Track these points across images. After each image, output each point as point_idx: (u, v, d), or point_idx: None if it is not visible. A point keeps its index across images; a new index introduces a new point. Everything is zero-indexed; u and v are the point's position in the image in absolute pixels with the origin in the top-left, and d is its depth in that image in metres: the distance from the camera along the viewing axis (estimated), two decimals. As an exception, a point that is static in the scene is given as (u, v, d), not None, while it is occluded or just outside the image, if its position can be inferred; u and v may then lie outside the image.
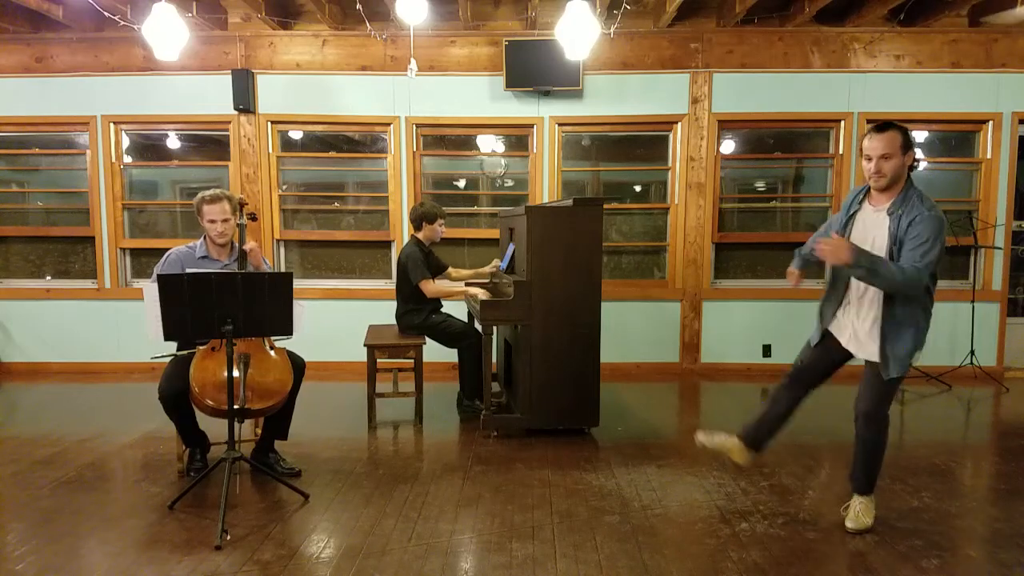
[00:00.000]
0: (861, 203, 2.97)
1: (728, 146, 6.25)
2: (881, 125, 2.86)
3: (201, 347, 3.33)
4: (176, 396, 3.35)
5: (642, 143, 6.32)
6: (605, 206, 4.72)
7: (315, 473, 3.63)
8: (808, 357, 3.15)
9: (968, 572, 2.66)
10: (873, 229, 2.88)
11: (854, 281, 2.91)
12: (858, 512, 3.02)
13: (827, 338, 3.07)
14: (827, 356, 3.09)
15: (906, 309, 2.81)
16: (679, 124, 6.06)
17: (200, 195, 3.53)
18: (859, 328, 2.93)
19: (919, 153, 5.69)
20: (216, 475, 3.35)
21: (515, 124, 6.12)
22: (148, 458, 3.91)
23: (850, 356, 3.03)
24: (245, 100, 5.91)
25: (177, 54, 4.72)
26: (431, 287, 4.63)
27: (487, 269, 5.18)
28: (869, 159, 2.83)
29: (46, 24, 5.98)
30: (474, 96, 6.06)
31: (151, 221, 6.37)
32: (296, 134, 6.29)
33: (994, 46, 5.87)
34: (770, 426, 3.22)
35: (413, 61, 5.05)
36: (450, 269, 5.09)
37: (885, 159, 2.80)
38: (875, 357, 2.87)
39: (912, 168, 2.89)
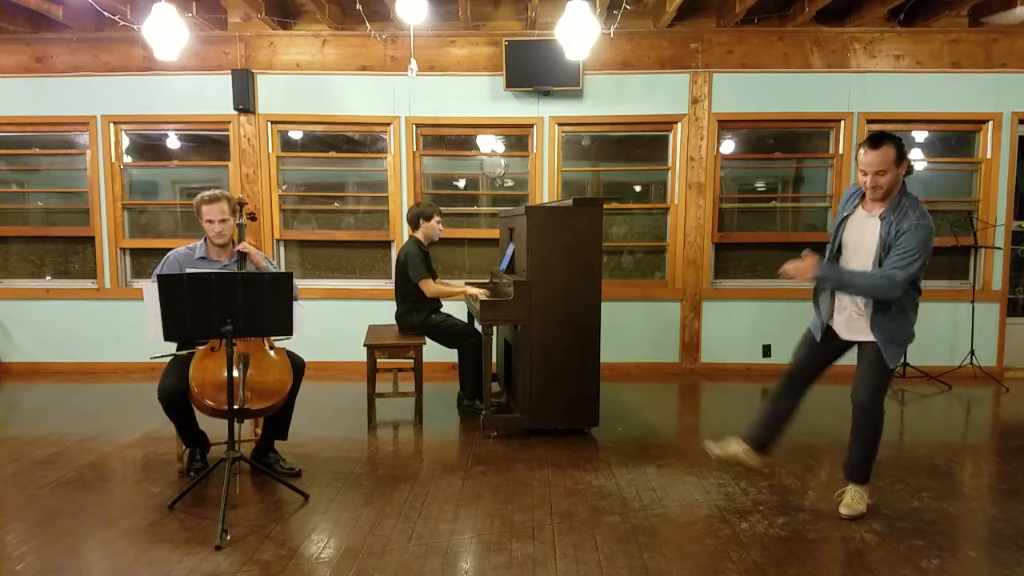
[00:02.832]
0: (855, 207, 3.07)
1: (728, 146, 6.25)
2: (875, 139, 2.91)
3: (200, 347, 3.33)
4: (175, 396, 3.34)
5: (642, 143, 6.32)
6: (605, 206, 4.72)
7: (315, 473, 3.63)
8: (806, 354, 3.24)
9: (968, 572, 2.66)
10: (862, 231, 3.00)
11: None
12: (853, 499, 3.12)
13: (826, 331, 3.16)
14: (826, 349, 3.18)
15: (892, 303, 2.95)
16: (679, 124, 6.06)
17: (199, 195, 3.53)
18: (854, 313, 3.04)
19: (914, 159, 5.73)
20: (216, 475, 3.35)
21: (515, 124, 6.12)
22: (148, 458, 3.91)
23: (848, 346, 3.14)
24: (245, 100, 5.91)
25: (177, 54, 4.71)
26: (431, 287, 4.63)
27: (472, 291, 4.70)
28: (865, 173, 2.92)
29: (46, 24, 5.98)
30: (474, 96, 6.06)
31: (151, 221, 6.37)
32: (296, 134, 6.29)
33: (994, 46, 5.87)
34: (776, 425, 3.29)
35: (413, 61, 5.04)
36: (439, 280, 4.89)
37: (880, 174, 2.89)
38: (870, 338, 2.99)
39: (907, 175, 2.98)
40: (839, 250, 3.10)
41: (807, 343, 3.24)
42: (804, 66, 5.97)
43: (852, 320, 3.05)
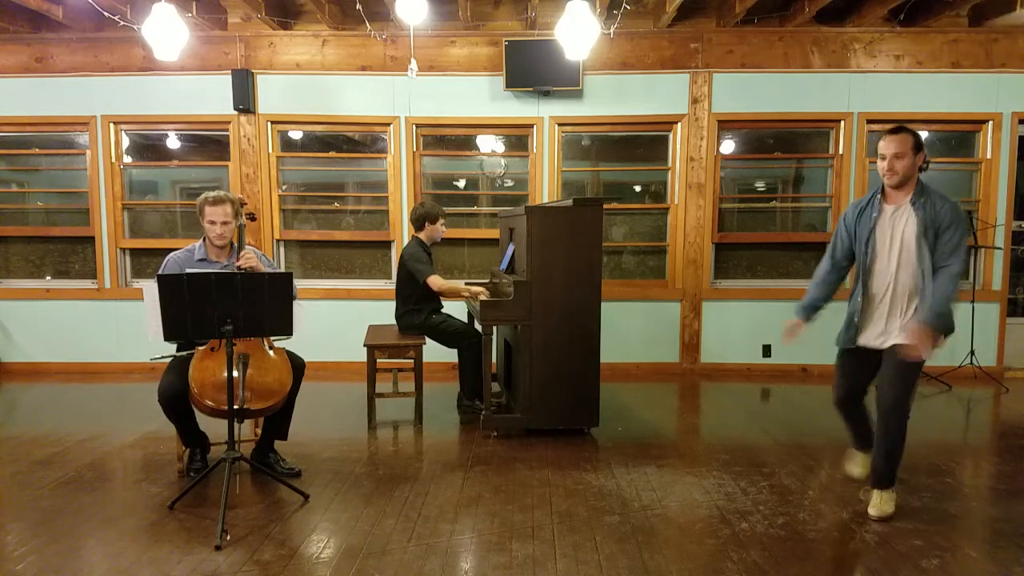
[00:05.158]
0: (879, 209, 3.12)
1: (728, 146, 6.25)
2: (895, 128, 3.10)
3: (200, 347, 3.33)
4: (175, 397, 3.34)
5: (642, 143, 6.32)
6: (605, 206, 4.71)
7: (315, 473, 3.63)
8: (845, 380, 3.26)
9: (968, 572, 2.66)
10: (895, 225, 3.07)
11: (883, 294, 3.11)
12: (881, 501, 3.14)
13: (857, 352, 3.19)
14: (865, 364, 3.19)
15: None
16: (679, 124, 6.06)
17: (204, 195, 3.53)
18: (891, 326, 3.09)
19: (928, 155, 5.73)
20: (216, 475, 3.35)
21: (515, 124, 6.12)
22: (148, 458, 3.91)
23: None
24: (245, 100, 5.91)
25: (177, 54, 4.71)
26: (439, 282, 4.61)
27: (476, 289, 4.68)
28: (883, 158, 3.05)
29: (46, 24, 5.98)
30: (474, 96, 6.06)
31: (151, 221, 6.37)
32: (296, 134, 6.29)
33: (994, 46, 5.87)
34: (865, 430, 3.35)
35: (413, 61, 5.04)
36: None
37: (898, 158, 3.01)
38: (901, 340, 3.01)
39: (922, 169, 3.09)
40: (867, 253, 3.12)
41: (841, 372, 3.28)
42: (804, 66, 5.97)
43: (883, 336, 3.11)
